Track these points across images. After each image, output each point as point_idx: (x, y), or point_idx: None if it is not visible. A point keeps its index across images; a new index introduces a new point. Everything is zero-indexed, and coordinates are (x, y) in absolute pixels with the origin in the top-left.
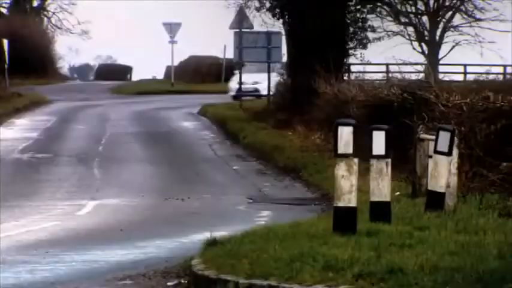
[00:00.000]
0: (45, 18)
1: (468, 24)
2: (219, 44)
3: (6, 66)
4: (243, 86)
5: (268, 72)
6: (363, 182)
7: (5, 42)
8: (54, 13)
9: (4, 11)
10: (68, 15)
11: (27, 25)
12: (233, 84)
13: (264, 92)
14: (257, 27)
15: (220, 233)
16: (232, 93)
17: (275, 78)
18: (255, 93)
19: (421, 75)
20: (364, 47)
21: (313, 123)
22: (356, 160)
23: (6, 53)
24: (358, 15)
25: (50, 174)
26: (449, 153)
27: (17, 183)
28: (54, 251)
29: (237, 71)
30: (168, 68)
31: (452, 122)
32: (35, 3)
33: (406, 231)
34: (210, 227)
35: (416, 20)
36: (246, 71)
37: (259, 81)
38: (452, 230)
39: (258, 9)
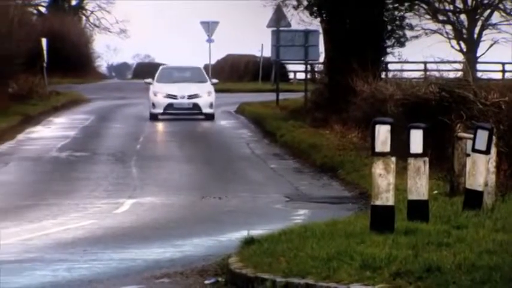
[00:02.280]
0: (84, 17)
1: (506, 22)
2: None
3: (44, 64)
4: (175, 101)
5: (306, 71)
6: (401, 181)
7: (44, 41)
8: (92, 12)
9: (43, 10)
10: (106, 14)
11: (66, 24)
12: (159, 97)
13: (206, 109)
14: (294, 26)
15: (257, 232)
16: (157, 109)
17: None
18: (193, 111)
19: (459, 73)
20: (402, 45)
21: (351, 121)
22: (393, 159)
23: (45, 52)
24: (395, 13)
25: (87, 173)
26: (487, 152)
27: (55, 181)
28: (91, 249)
29: (150, 81)
30: (206, 67)
31: (491, 120)
32: (74, 2)
33: (443, 230)
34: (247, 225)
35: (455, 18)
36: (174, 80)
37: (199, 93)
38: (490, 229)
39: (295, 8)
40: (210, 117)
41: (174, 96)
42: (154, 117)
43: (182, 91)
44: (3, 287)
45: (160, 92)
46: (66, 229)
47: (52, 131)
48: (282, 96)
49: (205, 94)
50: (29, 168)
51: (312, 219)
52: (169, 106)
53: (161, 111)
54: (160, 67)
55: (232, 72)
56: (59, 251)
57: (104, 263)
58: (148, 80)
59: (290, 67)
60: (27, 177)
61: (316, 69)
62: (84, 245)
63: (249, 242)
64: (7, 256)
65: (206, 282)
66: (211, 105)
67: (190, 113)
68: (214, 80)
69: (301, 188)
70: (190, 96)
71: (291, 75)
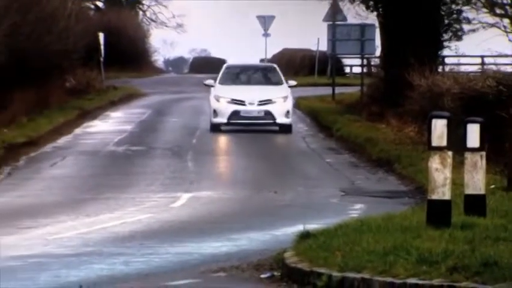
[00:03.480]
0: (140, 12)
1: None
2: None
3: (102, 59)
4: (243, 108)
5: (362, 65)
6: (457, 175)
7: (101, 35)
8: (149, 6)
9: (100, 4)
10: (163, 9)
11: (123, 19)
12: (222, 103)
13: (281, 118)
14: (351, 20)
15: (313, 226)
16: (219, 119)
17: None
18: (264, 121)
19: None
20: (459, 39)
21: (407, 115)
22: (450, 153)
23: (102, 46)
24: (453, 6)
25: (144, 167)
26: None
27: (112, 175)
28: (148, 243)
29: (211, 82)
30: (262, 61)
31: None
32: None
33: (501, 224)
34: (302, 219)
35: None
36: (241, 81)
37: (273, 98)
38: None
39: (351, 2)
40: (286, 128)
41: (241, 102)
42: (215, 128)
43: (251, 96)
44: (61, 280)
45: (223, 97)
46: (123, 223)
47: (109, 125)
48: (338, 90)
49: (280, 99)
50: (86, 162)
51: (368, 214)
52: (235, 114)
53: (224, 120)
54: (225, 65)
55: (288, 67)
56: (116, 245)
57: (160, 257)
58: (209, 82)
59: (346, 61)
60: (85, 171)
61: (372, 63)
62: (141, 238)
63: (304, 236)
64: (65, 250)
65: (262, 276)
66: (287, 114)
67: (261, 123)
68: (292, 82)
69: (357, 182)
70: (261, 102)
71: (347, 69)
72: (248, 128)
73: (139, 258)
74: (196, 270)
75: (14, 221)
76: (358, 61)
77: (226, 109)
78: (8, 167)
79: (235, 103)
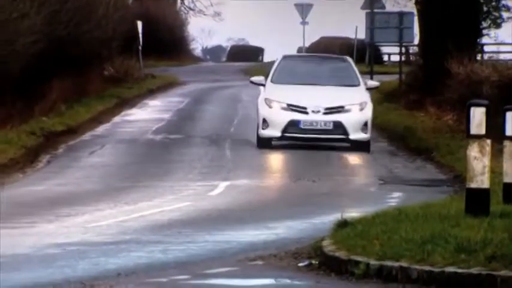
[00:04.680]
0: (178, 0)
1: None
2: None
3: (140, 47)
4: (303, 118)
5: (400, 53)
6: (496, 163)
7: (139, 23)
8: None
9: None
10: None
11: (161, 7)
12: (275, 109)
13: (356, 132)
14: (389, 8)
15: (351, 214)
16: (271, 131)
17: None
18: (332, 135)
19: None
20: (498, 26)
21: (446, 104)
22: (489, 141)
23: (140, 35)
24: None
25: (182, 155)
26: None
27: (150, 163)
28: (186, 231)
29: (261, 80)
30: (300, 49)
31: None
32: None
33: None
34: (340, 208)
35: None
36: (302, 80)
37: (345, 104)
38: None
39: None
40: (362, 146)
41: (301, 109)
42: (264, 144)
43: (316, 100)
44: (100, 268)
45: (277, 101)
46: (161, 211)
47: (147, 114)
48: (376, 78)
49: (355, 107)
50: (124, 150)
51: (406, 202)
52: (293, 126)
53: (277, 133)
54: (281, 57)
55: None
56: (155, 233)
57: (198, 245)
58: (258, 79)
59: (384, 49)
60: (123, 159)
61: (410, 51)
62: (179, 227)
63: (342, 224)
64: (104, 237)
65: (300, 264)
66: (365, 127)
67: (328, 139)
68: (373, 83)
69: (395, 170)
70: (329, 110)
71: (385, 58)
72: (308, 143)
73: (177, 246)
74: (234, 259)
75: (53, 209)
76: (396, 49)
77: (280, 118)
78: (47, 156)
79: (294, 110)
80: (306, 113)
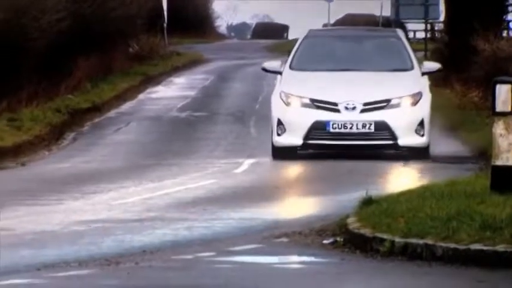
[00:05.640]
0: None
1: None
2: (376, 2)
3: (165, 25)
4: (333, 117)
5: (426, 30)
6: None
7: (164, 0)
8: None
9: None
10: None
11: None
12: (294, 106)
13: (407, 136)
14: None
15: (376, 192)
16: (289, 137)
17: None
18: (372, 141)
19: None
20: None
21: (471, 81)
22: None
23: (165, 12)
24: None
25: (207, 133)
26: None
27: (175, 141)
28: (211, 208)
29: (276, 66)
30: (324, 27)
31: None
32: None
33: None
34: (365, 185)
35: None
36: (332, 64)
37: (392, 97)
38: None
39: None
40: (417, 153)
41: (330, 106)
42: (283, 154)
43: (351, 92)
44: (125, 245)
45: (297, 95)
46: (186, 188)
47: (172, 91)
48: None
49: (406, 99)
50: (149, 128)
51: (431, 180)
52: (318, 129)
53: (298, 141)
54: (307, 33)
55: None
56: (179, 210)
57: (223, 222)
58: (272, 65)
59: (410, 26)
60: (148, 137)
61: (436, 28)
62: (204, 204)
63: (367, 202)
64: (129, 215)
65: (324, 242)
66: (420, 127)
67: (368, 146)
68: (432, 64)
69: None
70: (369, 106)
71: (411, 35)
72: (340, 151)
73: (202, 223)
74: (258, 236)
75: (79, 186)
76: (421, 26)
77: (301, 119)
78: (73, 133)
79: (320, 107)
80: (337, 110)
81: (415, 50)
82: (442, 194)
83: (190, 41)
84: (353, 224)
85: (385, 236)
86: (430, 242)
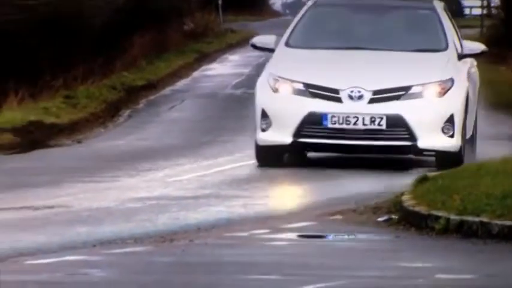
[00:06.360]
0: None
1: None
2: None
3: (220, 2)
4: (333, 109)
5: (482, 6)
6: None
7: None
8: None
9: None
10: None
11: None
12: (283, 95)
13: (431, 137)
14: None
15: (431, 169)
16: (275, 135)
17: None
18: (384, 141)
19: None
20: None
21: None
22: None
23: None
24: None
25: None
26: None
27: (229, 118)
28: (265, 185)
29: (268, 41)
30: None
31: None
32: None
33: None
34: (421, 162)
35: None
36: (340, 41)
37: (414, 85)
38: None
39: None
40: (444, 158)
41: (329, 93)
42: (268, 157)
43: (358, 77)
44: (180, 222)
45: (288, 78)
46: (240, 166)
47: (227, 69)
48: None
49: (431, 87)
50: (204, 105)
51: (486, 157)
52: (313, 123)
53: (287, 138)
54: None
55: None
56: (234, 188)
57: (277, 200)
58: (263, 40)
59: (465, 2)
60: (203, 114)
61: (492, 4)
62: (258, 181)
63: (422, 179)
64: (184, 192)
65: (379, 219)
66: (449, 124)
67: (377, 147)
68: (473, 45)
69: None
70: (379, 95)
71: (467, 11)
72: (341, 155)
73: (256, 200)
74: (313, 213)
75: (134, 163)
76: (478, 2)
77: (291, 109)
78: (128, 110)
79: (316, 95)
80: (338, 99)
81: (471, 26)
82: (497, 172)
83: (244, 19)
84: (408, 201)
85: (440, 214)
86: (485, 219)
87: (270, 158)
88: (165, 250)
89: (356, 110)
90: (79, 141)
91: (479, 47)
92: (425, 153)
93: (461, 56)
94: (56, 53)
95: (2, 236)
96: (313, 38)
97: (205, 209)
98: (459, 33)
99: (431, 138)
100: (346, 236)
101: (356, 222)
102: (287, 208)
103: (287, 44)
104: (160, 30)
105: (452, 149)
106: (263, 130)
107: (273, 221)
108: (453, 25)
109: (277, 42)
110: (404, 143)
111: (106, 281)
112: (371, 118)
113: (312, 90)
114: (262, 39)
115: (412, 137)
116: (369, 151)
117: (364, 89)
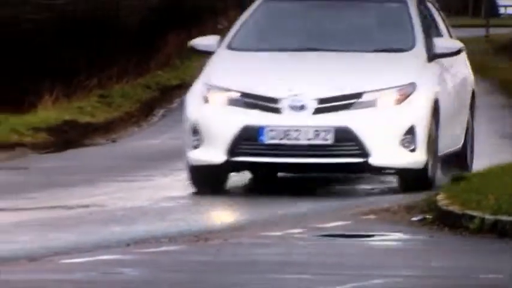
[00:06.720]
0: None
1: None
2: None
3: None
4: (272, 122)
5: None
6: None
7: None
8: None
9: None
10: None
11: None
12: (213, 108)
13: (385, 153)
14: None
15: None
16: (205, 152)
17: None
18: (333, 161)
19: None
20: None
21: None
22: None
23: None
24: None
25: None
26: None
27: None
28: (301, 185)
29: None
30: None
31: None
32: None
33: None
34: (453, 162)
35: None
36: (290, 41)
37: (365, 91)
38: None
39: None
40: (407, 177)
41: (268, 103)
42: (202, 179)
43: (303, 83)
44: (214, 221)
45: (223, 87)
46: None
47: None
48: (492, 31)
49: (388, 94)
50: None
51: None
52: (249, 138)
53: (219, 157)
54: None
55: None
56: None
57: (313, 199)
58: (205, 42)
59: (501, 1)
60: None
61: None
62: (295, 180)
63: (457, 179)
64: None
65: (413, 219)
66: (409, 138)
67: (322, 164)
68: (446, 43)
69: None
70: (324, 104)
71: (502, 10)
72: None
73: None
74: (347, 213)
75: (168, 162)
76: None
77: (224, 123)
78: (162, 109)
79: (252, 105)
80: (277, 110)
81: (506, 26)
82: None
83: None
84: (442, 201)
85: (474, 213)
86: None
87: (206, 179)
88: (199, 249)
89: (298, 123)
90: (113, 141)
91: (454, 45)
92: (384, 171)
93: (432, 57)
94: (91, 52)
95: (36, 235)
96: (261, 38)
97: (238, 208)
98: (450, 30)
99: (387, 154)
100: (379, 236)
101: (390, 222)
102: (321, 208)
103: (229, 47)
104: (194, 29)
105: (415, 166)
106: (195, 147)
107: (308, 220)
108: (443, 20)
109: (219, 44)
110: (354, 159)
111: (140, 280)
112: (315, 131)
113: (248, 100)
114: (205, 41)
115: (363, 152)
116: (317, 169)
117: (307, 97)
